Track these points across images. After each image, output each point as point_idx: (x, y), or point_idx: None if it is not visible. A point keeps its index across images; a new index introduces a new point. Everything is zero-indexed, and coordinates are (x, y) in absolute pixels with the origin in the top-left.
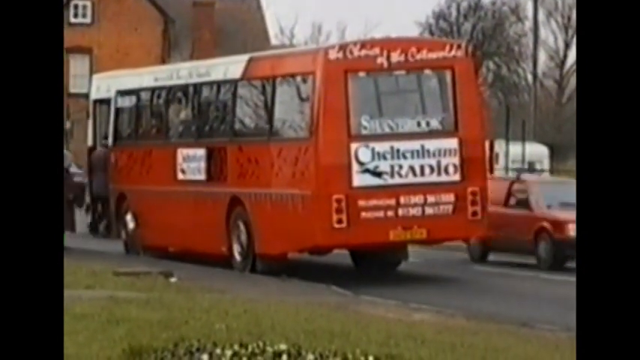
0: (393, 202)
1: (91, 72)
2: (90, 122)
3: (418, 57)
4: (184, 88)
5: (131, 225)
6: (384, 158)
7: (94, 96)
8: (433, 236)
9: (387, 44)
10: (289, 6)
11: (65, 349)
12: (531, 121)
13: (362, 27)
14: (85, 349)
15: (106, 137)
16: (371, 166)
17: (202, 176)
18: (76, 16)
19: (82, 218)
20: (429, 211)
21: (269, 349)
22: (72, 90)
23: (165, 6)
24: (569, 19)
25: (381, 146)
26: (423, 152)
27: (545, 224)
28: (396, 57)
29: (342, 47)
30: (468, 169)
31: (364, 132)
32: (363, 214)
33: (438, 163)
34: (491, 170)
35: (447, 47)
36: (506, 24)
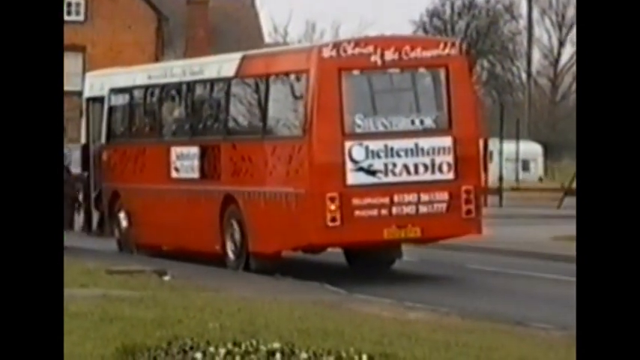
0: (387, 200)
1: (85, 70)
2: (83, 120)
3: (412, 55)
4: (178, 86)
5: (124, 223)
6: (378, 156)
7: (87, 94)
8: (427, 235)
9: (381, 42)
10: (283, 4)
11: None
12: (525, 120)
13: (356, 25)
14: (78, 348)
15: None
16: (365, 165)
17: (196, 174)
18: (69, 13)
19: (79, 217)
20: (423, 209)
21: (262, 347)
22: (65, 88)
23: (159, 4)
24: (563, 17)
25: (375, 144)
26: (417, 150)
27: None
28: (390, 55)
29: (336, 45)
30: (462, 167)
31: (358, 130)
32: (357, 212)
33: (432, 162)
34: (485, 169)
35: (441, 45)
36: (500, 22)
